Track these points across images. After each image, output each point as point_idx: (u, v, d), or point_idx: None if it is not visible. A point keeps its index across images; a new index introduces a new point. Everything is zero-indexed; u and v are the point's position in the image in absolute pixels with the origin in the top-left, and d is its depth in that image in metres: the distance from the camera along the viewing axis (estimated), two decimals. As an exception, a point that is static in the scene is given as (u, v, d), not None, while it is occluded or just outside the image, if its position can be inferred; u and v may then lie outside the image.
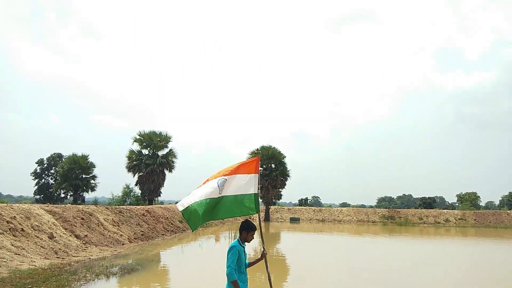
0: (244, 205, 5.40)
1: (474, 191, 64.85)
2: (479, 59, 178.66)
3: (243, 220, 5.23)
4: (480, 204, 68.01)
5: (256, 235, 5.42)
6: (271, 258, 16.32)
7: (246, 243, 5.00)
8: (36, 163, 51.91)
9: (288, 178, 44.22)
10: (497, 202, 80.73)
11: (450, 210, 53.53)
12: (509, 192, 70.03)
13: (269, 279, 5.38)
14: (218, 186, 5.33)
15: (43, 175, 52.11)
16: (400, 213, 50.37)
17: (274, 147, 43.78)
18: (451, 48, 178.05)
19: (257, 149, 40.62)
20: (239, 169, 5.52)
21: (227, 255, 4.76)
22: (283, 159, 44.02)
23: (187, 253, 18.76)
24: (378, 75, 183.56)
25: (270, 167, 43.38)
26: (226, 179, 5.38)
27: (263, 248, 5.33)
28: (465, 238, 31.02)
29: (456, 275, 13.84)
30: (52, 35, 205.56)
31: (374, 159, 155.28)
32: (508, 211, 50.89)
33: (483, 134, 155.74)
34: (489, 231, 38.03)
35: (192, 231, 5.67)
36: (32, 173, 51.76)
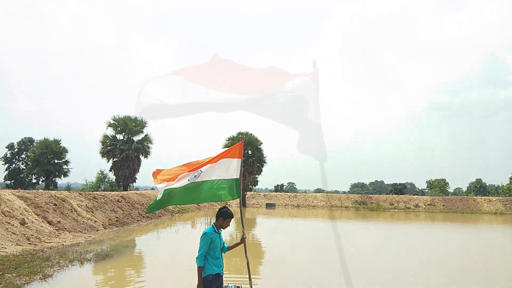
0: (226, 190, 5.31)
1: (443, 178, 66.87)
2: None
3: (221, 206, 5.25)
4: (449, 190, 70.37)
5: (234, 220, 5.49)
6: (247, 242, 16.51)
7: (221, 229, 5.04)
8: (6, 147, 50.26)
9: (265, 164, 44.57)
10: (464, 189, 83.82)
11: (420, 196, 55.34)
12: (476, 179, 72.93)
13: (247, 263, 5.51)
14: (195, 176, 5.27)
15: (14, 160, 50.50)
16: (372, 198, 51.72)
17: (251, 134, 43.90)
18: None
19: (240, 133, 40.60)
20: (222, 154, 5.46)
21: (200, 242, 4.81)
22: (260, 145, 44.24)
23: (163, 239, 18.76)
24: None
25: (247, 153, 43.53)
26: (202, 171, 5.32)
27: (243, 232, 5.42)
28: (432, 222, 32.19)
29: (417, 254, 14.47)
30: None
31: (348, 147, 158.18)
32: (475, 197, 52.98)
33: (453, 122, 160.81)
34: (456, 216, 39.61)
35: (147, 213, 5.67)
36: (2, 157, 50.11)
